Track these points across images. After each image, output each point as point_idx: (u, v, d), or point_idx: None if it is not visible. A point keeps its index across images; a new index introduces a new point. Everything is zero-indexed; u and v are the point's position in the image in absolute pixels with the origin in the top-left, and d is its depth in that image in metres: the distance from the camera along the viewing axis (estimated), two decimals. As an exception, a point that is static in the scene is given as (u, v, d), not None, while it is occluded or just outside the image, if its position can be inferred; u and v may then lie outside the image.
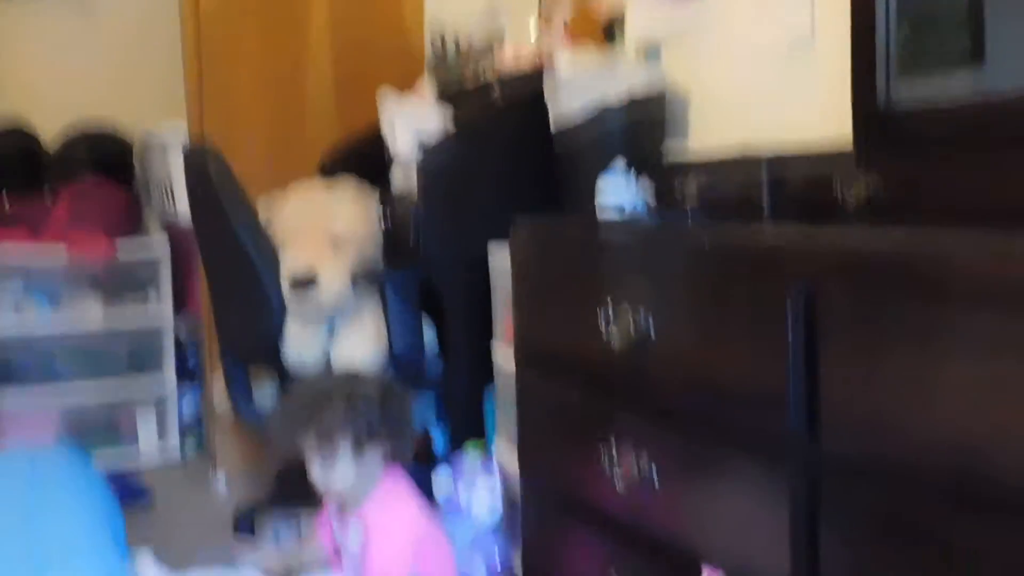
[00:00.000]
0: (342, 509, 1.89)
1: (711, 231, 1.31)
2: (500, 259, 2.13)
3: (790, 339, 1.11)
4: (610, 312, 1.45)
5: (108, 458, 3.15)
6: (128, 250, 3.29)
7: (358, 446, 1.79)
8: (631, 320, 1.40)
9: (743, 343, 1.20)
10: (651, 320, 1.37)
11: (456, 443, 2.50)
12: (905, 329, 0.98)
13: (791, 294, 1.11)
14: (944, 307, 0.94)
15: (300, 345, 2.33)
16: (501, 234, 1.90)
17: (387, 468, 1.87)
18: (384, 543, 1.78)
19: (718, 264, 1.26)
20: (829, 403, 1.08)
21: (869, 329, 1.02)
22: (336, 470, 1.81)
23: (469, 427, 2.47)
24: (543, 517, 1.78)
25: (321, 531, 1.96)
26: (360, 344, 2.33)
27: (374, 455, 1.82)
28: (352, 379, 1.90)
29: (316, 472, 1.83)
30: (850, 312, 1.05)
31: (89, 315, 3.24)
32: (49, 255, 3.15)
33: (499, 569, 2.13)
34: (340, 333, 2.40)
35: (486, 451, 2.24)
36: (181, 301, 3.39)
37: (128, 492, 2.88)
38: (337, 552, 1.90)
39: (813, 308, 1.09)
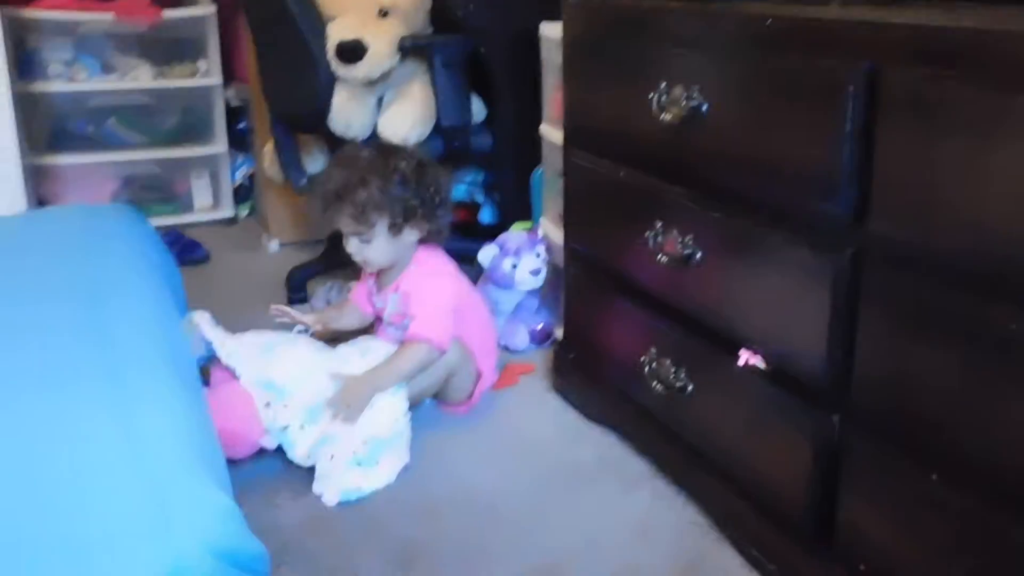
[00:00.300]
0: (380, 282, 1.94)
1: (773, 6, 1.24)
2: (550, 37, 2.06)
3: (848, 121, 1.08)
4: (662, 90, 1.42)
5: (164, 218, 3.25)
6: (175, 16, 3.24)
7: (394, 226, 1.80)
8: (683, 98, 1.37)
9: (799, 124, 1.17)
10: (704, 98, 1.34)
11: (503, 219, 2.53)
12: (967, 116, 0.95)
13: (853, 74, 1.07)
14: (1010, 95, 0.90)
15: (347, 115, 2.31)
16: (552, 10, 1.83)
17: (425, 245, 1.89)
18: (423, 308, 1.82)
19: (779, 41, 1.21)
20: (881, 188, 1.06)
21: (930, 114, 0.99)
22: (372, 248, 1.83)
23: (516, 204, 2.49)
24: (586, 290, 1.82)
25: (357, 298, 1.99)
26: (407, 115, 2.31)
27: (410, 234, 1.83)
28: (389, 156, 1.85)
29: (352, 249, 1.85)
30: (912, 96, 1.01)
31: (140, 80, 3.24)
32: (97, 17, 3.12)
33: (540, 337, 2.20)
34: (388, 103, 2.38)
35: (532, 227, 2.26)
36: (230, 70, 3.37)
37: (185, 248, 2.98)
38: (377, 319, 1.96)
39: (875, 90, 1.05)
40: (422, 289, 1.84)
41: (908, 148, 1.02)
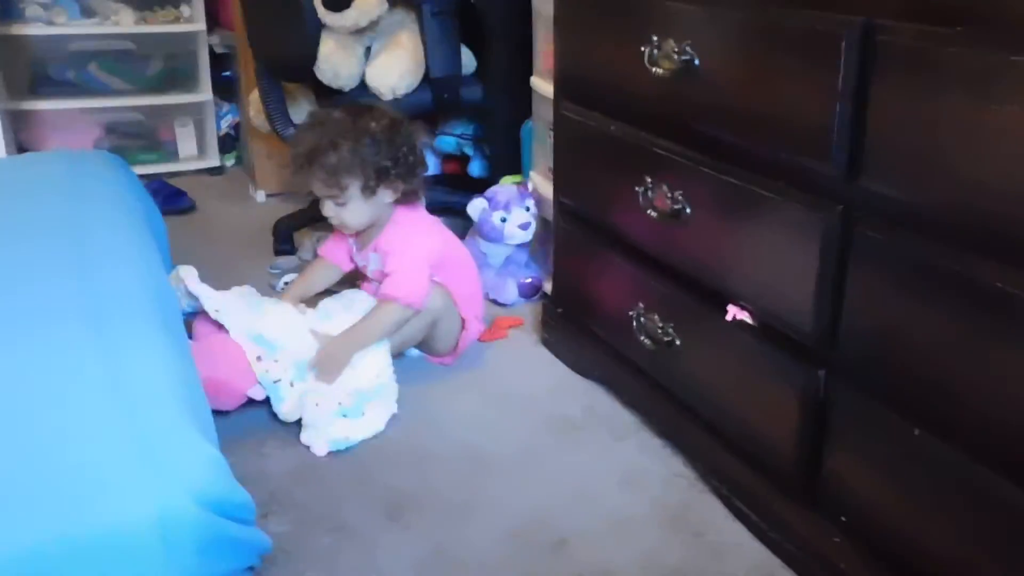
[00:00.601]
0: (360, 240, 1.92)
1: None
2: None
3: (842, 76, 1.07)
4: (654, 43, 1.40)
5: (148, 167, 3.21)
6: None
7: (367, 188, 1.77)
8: (675, 52, 1.35)
9: (792, 78, 1.16)
10: (696, 52, 1.33)
11: (493, 172, 2.51)
12: (963, 73, 0.95)
13: (848, 29, 1.06)
14: (1008, 52, 0.89)
15: (335, 64, 2.28)
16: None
17: (401, 204, 1.86)
18: (397, 266, 1.79)
19: (775, -7, 1.19)
20: (874, 144, 1.06)
21: (925, 71, 0.98)
22: (348, 211, 1.80)
23: (506, 157, 2.48)
24: (576, 244, 1.82)
25: (329, 254, 1.96)
26: (395, 64, 2.28)
27: (385, 194, 1.80)
28: (359, 117, 1.80)
29: (329, 212, 1.82)
30: (908, 52, 1.00)
31: (121, 24, 3.18)
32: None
33: (529, 291, 2.20)
34: (376, 53, 2.35)
35: (522, 181, 2.25)
36: (214, 16, 3.31)
37: (169, 197, 2.95)
38: (362, 275, 1.95)
39: (870, 45, 1.05)
40: (397, 248, 1.82)
41: (902, 105, 1.02)
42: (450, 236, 1.96)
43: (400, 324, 1.76)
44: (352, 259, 1.95)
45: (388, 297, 1.75)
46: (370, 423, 1.63)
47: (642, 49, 1.43)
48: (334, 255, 1.96)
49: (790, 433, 1.26)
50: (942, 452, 1.03)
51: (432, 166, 2.72)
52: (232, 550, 0.95)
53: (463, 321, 1.90)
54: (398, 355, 1.82)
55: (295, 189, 3.05)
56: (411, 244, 1.82)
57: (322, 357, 1.66)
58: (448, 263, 1.88)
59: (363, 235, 1.90)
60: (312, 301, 1.85)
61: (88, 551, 0.84)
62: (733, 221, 1.32)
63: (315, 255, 2.33)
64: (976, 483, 1.00)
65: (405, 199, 1.85)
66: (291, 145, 1.83)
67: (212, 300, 1.68)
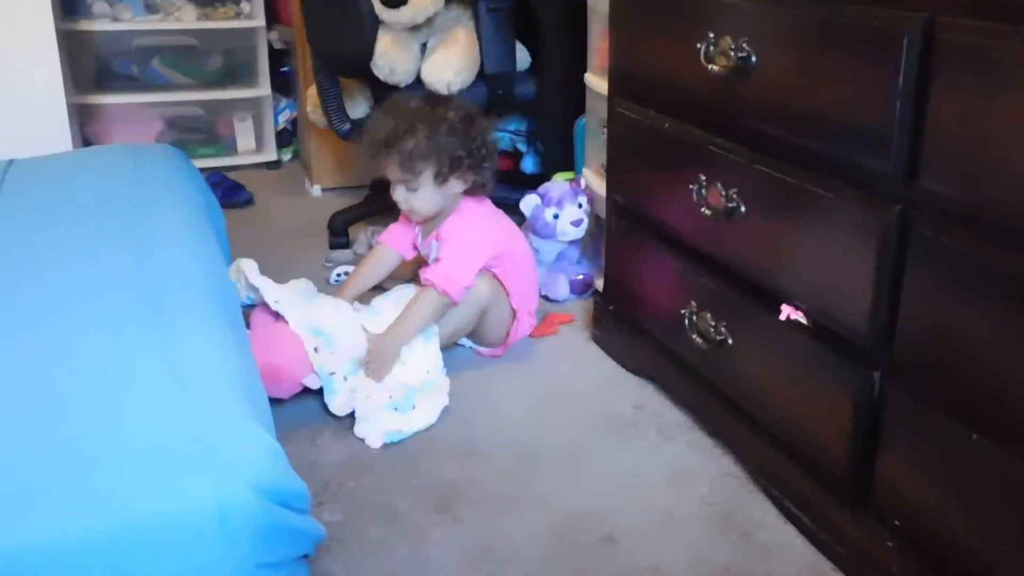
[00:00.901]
0: (425, 228, 1.95)
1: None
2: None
3: (902, 74, 1.06)
4: (711, 39, 1.40)
5: (207, 160, 3.27)
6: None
7: (439, 176, 1.81)
8: (732, 48, 1.35)
9: (851, 76, 1.15)
10: (753, 49, 1.32)
11: (546, 168, 2.52)
12: (1026, 71, 0.93)
13: (909, 25, 1.05)
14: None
15: (391, 60, 2.31)
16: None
17: (470, 195, 1.89)
18: (447, 254, 1.82)
19: (834, -10, 1.18)
20: (933, 143, 1.04)
21: (987, 69, 0.97)
22: (418, 197, 1.84)
23: (559, 153, 2.48)
24: (627, 241, 1.81)
25: (390, 240, 1.99)
26: (451, 61, 2.29)
27: (455, 184, 1.85)
28: (437, 105, 1.86)
29: (399, 197, 1.86)
30: (969, 49, 0.99)
31: (183, 20, 3.24)
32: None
33: (581, 288, 2.20)
34: (432, 49, 2.37)
35: (575, 177, 2.25)
36: (274, 12, 3.36)
37: (228, 191, 3.01)
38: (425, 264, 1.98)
39: (930, 42, 1.03)
40: (454, 237, 1.85)
41: (962, 103, 1.00)
42: (513, 230, 1.98)
43: (438, 314, 1.77)
44: (415, 246, 1.98)
45: (428, 283, 1.77)
46: (422, 416, 1.65)
47: (698, 46, 1.42)
48: (396, 241, 1.99)
49: (843, 435, 1.25)
50: (999, 457, 1.02)
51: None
52: (288, 538, 0.97)
53: (514, 312, 1.91)
54: (450, 345, 1.84)
55: (351, 183, 3.10)
56: (468, 235, 1.85)
57: (371, 356, 1.68)
58: (507, 256, 1.90)
59: (429, 223, 1.93)
60: (366, 298, 1.88)
61: (147, 537, 0.86)
62: (788, 220, 1.31)
63: (370, 248, 2.36)
64: (1034, 489, 0.99)
65: (473, 190, 1.88)
66: (369, 130, 1.87)
67: (272, 292, 1.71)
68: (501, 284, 1.87)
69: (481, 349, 1.93)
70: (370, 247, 2.39)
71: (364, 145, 1.87)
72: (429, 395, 1.68)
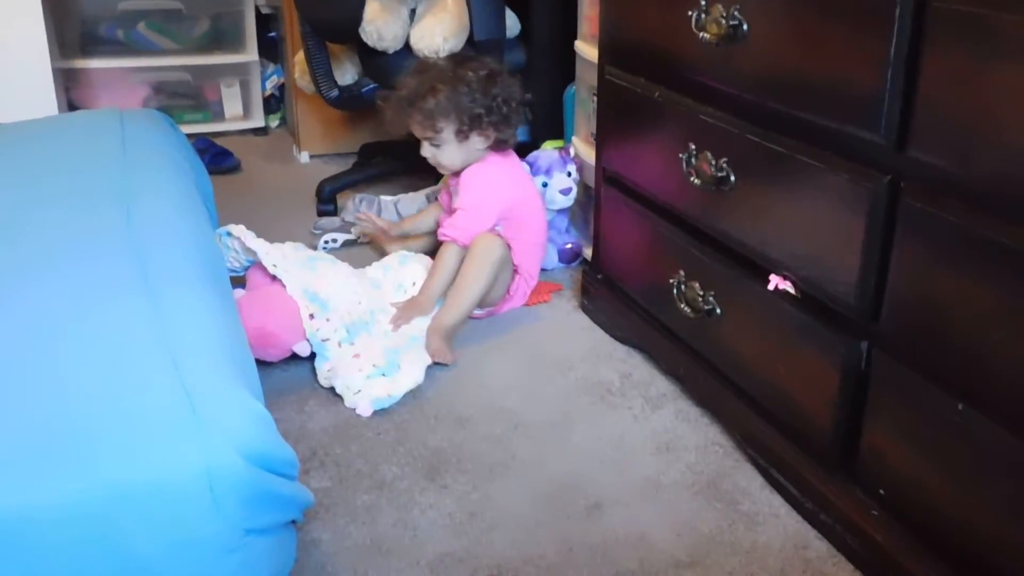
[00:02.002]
0: (455, 185, 2.02)
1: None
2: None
3: (894, 43, 1.06)
4: (703, 7, 1.39)
5: (194, 126, 3.25)
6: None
7: (460, 132, 1.89)
8: (724, 16, 1.34)
9: (842, 45, 1.14)
10: (744, 17, 1.31)
11: (535, 137, 2.51)
12: (1018, 40, 0.92)
13: (903, -6, 1.04)
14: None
15: (379, 25, 2.28)
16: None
17: (495, 150, 1.97)
18: (461, 203, 1.92)
19: (827, -42, 1.17)
20: (924, 113, 1.04)
21: (978, 39, 0.96)
22: (443, 152, 1.94)
23: (548, 121, 2.47)
24: (617, 211, 1.81)
25: (444, 201, 2.10)
26: (439, 27, 2.27)
27: (478, 140, 1.92)
28: (460, 65, 1.94)
29: (427, 153, 1.96)
30: (961, 18, 0.98)
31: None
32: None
33: (569, 257, 2.20)
34: (420, 15, 2.35)
35: (564, 146, 2.24)
36: (260, -25, 3.33)
37: (216, 157, 2.98)
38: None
39: (922, 11, 1.03)
40: (472, 184, 1.94)
41: (954, 74, 1.00)
42: (530, 187, 2.05)
43: (457, 262, 1.86)
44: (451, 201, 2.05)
45: (445, 238, 1.88)
46: (409, 376, 1.65)
47: (689, 14, 1.41)
48: (445, 201, 2.10)
49: (829, 404, 1.26)
50: (985, 427, 1.02)
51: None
52: (276, 504, 0.97)
53: (515, 270, 1.95)
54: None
55: (339, 149, 3.07)
56: (485, 184, 1.94)
57: (405, 313, 1.80)
58: (519, 211, 1.96)
59: (456, 179, 2.01)
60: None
61: (135, 503, 0.86)
62: (778, 190, 1.31)
63: (357, 216, 2.36)
64: (1020, 459, 0.99)
65: (498, 146, 1.97)
66: (397, 88, 1.97)
67: (270, 255, 1.71)
68: (506, 245, 1.91)
69: (476, 311, 1.93)
70: (357, 214, 2.39)
71: (391, 104, 1.96)
72: (412, 353, 1.69)
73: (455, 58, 2.03)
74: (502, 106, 1.91)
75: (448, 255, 1.88)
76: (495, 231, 1.90)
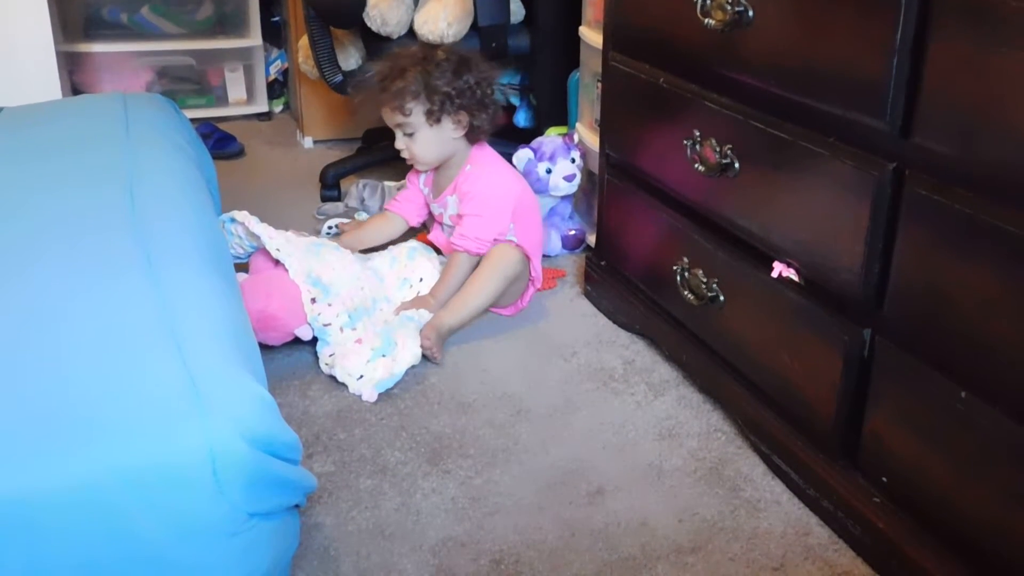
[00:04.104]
0: (437, 186, 1.96)
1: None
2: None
3: (900, 29, 1.05)
4: (710, -9, 1.38)
5: (198, 111, 3.24)
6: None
7: (430, 114, 1.83)
8: (729, 2, 1.33)
9: (847, 31, 1.14)
10: (750, 3, 1.31)
11: (539, 123, 2.50)
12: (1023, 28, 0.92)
13: (910, -20, 1.04)
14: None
15: (383, 10, 2.28)
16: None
17: (471, 141, 1.91)
18: (472, 211, 1.86)
19: (834, -57, 1.17)
20: (929, 101, 1.04)
21: (984, 26, 0.96)
22: (417, 142, 1.86)
23: (552, 107, 2.46)
24: (620, 197, 1.81)
25: (401, 209, 2.02)
26: (444, 12, 2.27)
27: (449, 125, 1.85)
28: (432, 49, 1.90)
29: (400, 145, 1.89)
30: (967, 6, 0.98)
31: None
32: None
33: (572, 243, 2.20)
34: (424, 0, 2.34)
35: (568, 132, 2.24)
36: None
37: (219, 141, 2.98)
38: (436, 222, 2.00)
39: (929, -3, 1.02)
40: (478, 190, 1.88)
41: (959, 60, 0.99)
42: (524, 183, 2.00)
43: (468, 273, 1.83)
44: (427, 210, 2.00)
45: (460, 249, 1.83)
46: (408, 351, 1.65)
47: (694, 1, 1.40)
48: (401, 208, 2.02)
49: (832, 392, 1.26)
50: (988, 415, 1.02)
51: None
52: (279, 488, 0.97)
53: (531, 279, 1.93)
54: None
55: (343, 135, 3.07)
56: (493, 188, 1.88)
57: (426, 331, 1.72)
58: (521, 209, 1.92)
59: (440, 180, 1.95)
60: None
61: (138, 486, 0.86)
62: (782, 177, 1.30)
63: (361, 202, 2.36)
64: (1022, 447, 0.99)
65: (473, 135, 1.89)
66: (368, 74, 1.93)
67: (274, 240, 1.71)
68: (525, 254, 1.87)
69: (491, 308, 1.92)
70: (361, 200, 2.39)
71: (362, 91, 1.94)
72: (406, 329, 1.69)
73: (425, 46, 1.98)
74: (475, 88, 1.85)
75: (461, 260, 1.84)
76: (513, 243, 1.86)
